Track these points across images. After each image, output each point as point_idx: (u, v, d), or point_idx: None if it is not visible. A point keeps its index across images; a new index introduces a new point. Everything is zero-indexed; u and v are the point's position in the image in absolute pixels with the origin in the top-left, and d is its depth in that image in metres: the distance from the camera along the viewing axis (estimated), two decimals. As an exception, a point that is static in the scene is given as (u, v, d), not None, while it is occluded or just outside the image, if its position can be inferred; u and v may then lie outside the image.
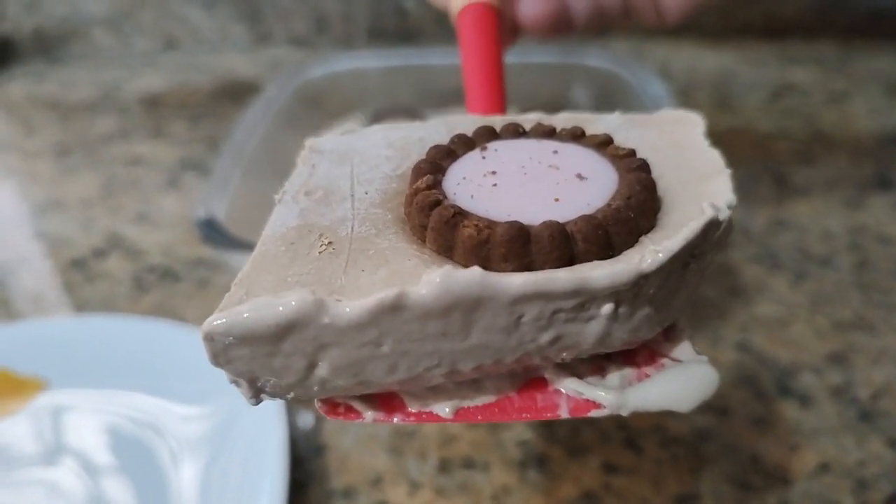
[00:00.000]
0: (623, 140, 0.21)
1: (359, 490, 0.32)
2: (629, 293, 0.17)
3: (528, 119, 0.23)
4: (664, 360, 0.19)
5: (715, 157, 0.20)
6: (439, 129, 0.23)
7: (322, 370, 0.17)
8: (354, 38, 0.74)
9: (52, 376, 0.37)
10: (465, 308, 0.16)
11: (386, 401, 0.19)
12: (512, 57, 0.51)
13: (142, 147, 0.59)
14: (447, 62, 0.50)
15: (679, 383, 0.18)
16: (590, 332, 0.17)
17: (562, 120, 0.23)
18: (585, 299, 0.16)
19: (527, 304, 0.16)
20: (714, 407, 0.35)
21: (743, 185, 0.34)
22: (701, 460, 0.33)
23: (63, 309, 0.44)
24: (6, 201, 0.54)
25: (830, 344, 0.38)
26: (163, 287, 0.44)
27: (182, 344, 0.36)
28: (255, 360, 0.17)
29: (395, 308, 0.16)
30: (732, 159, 0.35)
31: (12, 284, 0.46)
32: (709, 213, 0.18)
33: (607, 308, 0.17)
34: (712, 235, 0.18)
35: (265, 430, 0.31)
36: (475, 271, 0.16)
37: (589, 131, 0.21)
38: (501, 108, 0.28)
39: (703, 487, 0.32)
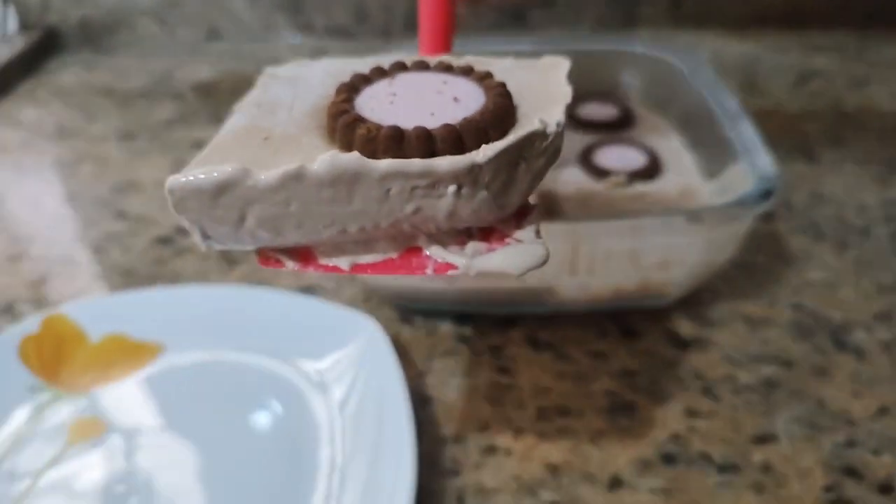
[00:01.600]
0: (506, 78, 0.26)
1: (468, 436, 0.35)
2: (468, 178, 0.22)
3: (443, 59, 0.28)
4: (509, 240, 0.24)
5: (565, 91, 0.26)
6: (369, 63, 0.28)
7: (249, 222, 0.23)
8: (393, 28, 0.77)
9: (167, 341, 0.40)
10: (347, 180, 0.22)
11: (303, 255, 0.25)
12: (561, 46, 0.55)
13: (203, 132, 0.61)
14: (487, 48, 0.53)
15: (515, 256, 0.24)
16: (441, 206, 0.22)
17: (467, 61, 0.28)
18: (434, 180, 0.22)
19: (391, 181, 0.22)
20: (779, 359, 0.38)
21: (780, 162, 0.38)
22: (771, 405, 0.36)
23: (157, 282, 0.46)
24: (85, 183, 0.57)
25: (877, 304, 0.42)
26: (250, 260, 0.47)
27: (289, 307, 0.40)
28: (201, 210, 0.22)
29: (297, 177, 0.22)
30: (766, 138, 0.39)
31: (104, 261, 0.48)
32: (535, 126, 0.23)
33: (452, 188, 0.22)
34: (539, 145, 0.23)
35: (384, 377, 0.35)
36: (354, 154, 0.22)
37: (481, 68, 0.26)
38: (447, 50, 0.34)
39: (776, 427, 0.35)
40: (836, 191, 0.51)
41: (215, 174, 0.21)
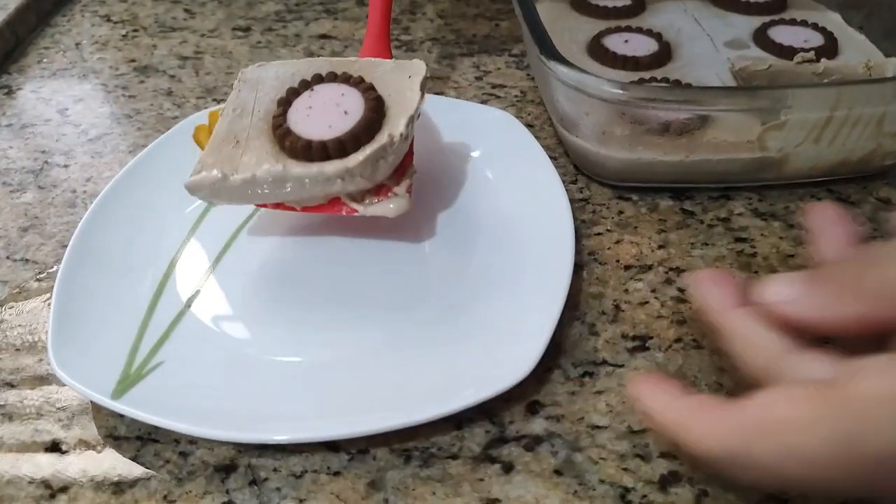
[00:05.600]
0: (385, 79, 0.37)
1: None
2: (346, 174, 0.34)
3: (346, 69, 0.38)
4: (391, 193, 0.35)
5: (414, 99, 0.36)
6: (303, 67, 0.38)
7: (234, 197, 0.35)
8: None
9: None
10: (279, 179, 0.34)
11: (273, 204, 0.36)
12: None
13: (319, 26, 0.59)
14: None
15: (390, 204, 0.35)
16: (336, 187, 0.34)
17: (362, 64, 0.38)
18: (327, 177, 0.33)
19: (303, 178, 0.34)
20: None
21: None
22: None
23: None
24: (216, 75, 0.54)
25: None
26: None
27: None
28: (208, 193, 0.34)
29: (252, 179, 0.34)
30: None
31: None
32: (383, 141, 0.34)
33: (339, 180, 0.34)
34: (390, 149, 0.34)
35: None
36: (279, 166, 0.34)
37: (370, 74, 0.37)
38: (385, 55, 0.45)
39: None
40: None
41: (208, 178, 0.34)
